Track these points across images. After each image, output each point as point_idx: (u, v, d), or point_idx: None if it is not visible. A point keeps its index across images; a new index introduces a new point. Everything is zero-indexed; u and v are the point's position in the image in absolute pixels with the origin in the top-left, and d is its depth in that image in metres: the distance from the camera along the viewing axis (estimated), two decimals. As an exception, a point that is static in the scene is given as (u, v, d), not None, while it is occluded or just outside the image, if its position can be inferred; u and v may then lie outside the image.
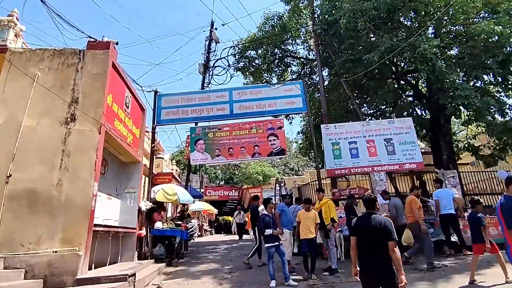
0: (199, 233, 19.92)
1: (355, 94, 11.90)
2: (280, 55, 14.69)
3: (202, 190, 32.08)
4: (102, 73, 6.53)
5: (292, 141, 42.96)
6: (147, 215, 8.92)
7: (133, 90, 8.52)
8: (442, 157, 11.23)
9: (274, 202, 18.46)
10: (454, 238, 7.74)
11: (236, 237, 16.82)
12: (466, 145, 12.52)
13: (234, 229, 19.26)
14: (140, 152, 9.09)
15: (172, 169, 17.88)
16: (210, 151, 10.00)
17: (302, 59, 14.63)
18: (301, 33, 13.66)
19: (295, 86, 10.49)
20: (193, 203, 9.97)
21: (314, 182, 11.97)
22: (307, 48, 15.32)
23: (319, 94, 14.45)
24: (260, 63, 14.15)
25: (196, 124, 10.80)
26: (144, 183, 12.49)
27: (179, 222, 9.18)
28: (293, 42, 14.93)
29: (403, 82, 12.00)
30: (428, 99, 11.87)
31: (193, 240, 15.90)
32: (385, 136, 10.35)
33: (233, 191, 32.91)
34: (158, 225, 8.61)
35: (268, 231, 6.18)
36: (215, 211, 23.85)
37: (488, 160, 12.71)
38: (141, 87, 10.67)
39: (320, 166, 10.12)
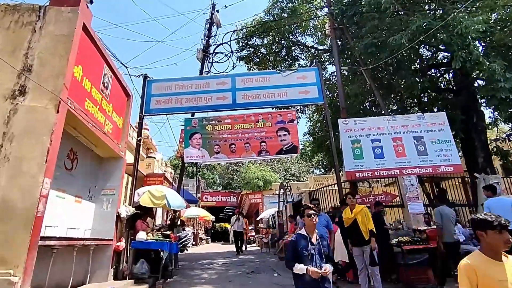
0: (194, 243, 18.17)
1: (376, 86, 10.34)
2: (287, 46, 13.17)
3: (198, 195, 30.43)
4: (68, 35, 4.96)
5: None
6: (128, 223, 7.26)
7: (114, 68, 6.94)
8: (478, 160, 9.66)
9: (278, 209, 16.83)
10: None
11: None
12: (495, 148, 10.94)
13: (232, 237, 17.45)
14: (123, 146, 7.48)
15: (165, 171, 16.21)
16: (208, 147, 8.38)
17: (313, 49, 13.10)
18: (313, 17, 12.11)
19: (310, 73, 8.93)
20: (186, 208, 8.32)
21: (328, 187, 10.34)
22: (318, 40, 13.85)
23: (333, 91, 12.96)
24: (266, 53, 12.61)
25: (193, 115, 9.20)
26: (127, 184, 10.81)
27: (168, 232, 7.51)
28: (303, 32, 13.43)
29: (430, 73, 10.47)
30: (457, 93, 10.35)
31: (186, 251, 14.20)
32: (414, 133, 8.79)
33: (232, 196, 31.26)
34: (141, 235, 6.95)
35: (301, 268, 2.98)
36: (212, 218, 22.12)
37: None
38: (126, 68, 9.10)
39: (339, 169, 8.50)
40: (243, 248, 11.83)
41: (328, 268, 2.98)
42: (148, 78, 8.90)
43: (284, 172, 36.98)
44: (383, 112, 9.73)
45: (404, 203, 8.03)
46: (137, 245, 6.92)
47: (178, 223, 10.35)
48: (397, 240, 6.60)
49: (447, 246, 5.39)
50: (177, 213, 9.80)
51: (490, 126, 11.36)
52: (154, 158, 13.50)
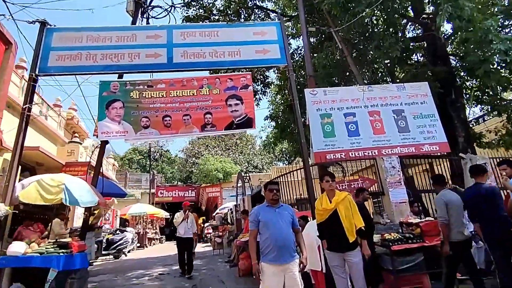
0: (139, 244, 15.64)
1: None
2: (245, 9, 11.16)
3: (153, 190, 27.66)
4: None
5: (257, 136, 39.95)
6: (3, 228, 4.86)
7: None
8: (458, 140, 8.54)
9: (236, 203, 14.78)
10: None
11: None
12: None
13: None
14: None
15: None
16: (132, 120, 6.15)
17: (276, 15, 11.22)
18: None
19: (270, 27, 7.02)
20: (98, 205, 6.04)
21: (293, 176, 8.57)
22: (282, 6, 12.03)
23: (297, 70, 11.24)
24: (220, 15, 10.47)
25: (122, 77, 6.84)
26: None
27: (67, 240, 5.19)
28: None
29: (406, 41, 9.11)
30: (434, 64, 9.10)
31: (125, 256, 11.77)
32: (394, 106, 7.30)
33: (190, 191, 28.84)
34: (15, 248, 4.60)
35: None
36: (165, 214, 19.65)
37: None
38: (7, 8, 6.46)
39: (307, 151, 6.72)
40: (193, 261, 7.20)
41: None
42: (48, 26, 6.37)
43: (246, 164, 35.24)
44: (358, 84, 8.16)
45: (384, 189, 6.54)
46: (8, 263, 4.55)
47: (100, 224, 7.96)
48: (381, 238, 5.01)
49: (456, 247, 3.81)
50: (98, 211, 7.47)
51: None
52: (80, 143, 10.75)
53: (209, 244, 14.27)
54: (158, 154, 35.06)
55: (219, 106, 6.35)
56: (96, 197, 5.74)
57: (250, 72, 7.33)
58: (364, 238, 3.57)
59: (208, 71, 6.97)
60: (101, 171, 6.89)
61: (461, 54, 9.69)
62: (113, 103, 6.16)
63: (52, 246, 4.92)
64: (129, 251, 13.35)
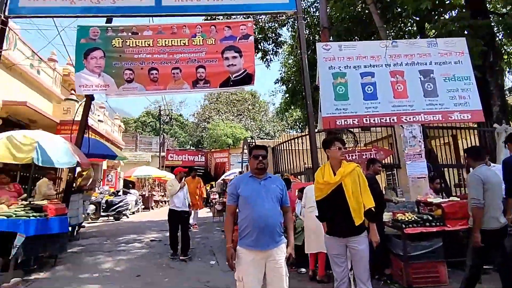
0: (144, 206, 15.66)
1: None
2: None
3: (163, 154, 27.64)
4: None
5: (269, 102, 38.73)
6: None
7: None
8: (492, 110, 7.42)
9: (241, 169, 14.31)
10: None
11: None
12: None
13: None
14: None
15: (98, 120, 12.94)
16: (114, 72, 5.39)
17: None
18: None
19: (278, -35, 5.84)
20: (78, 166, 5.53)
21: (297, 143, 7.77)
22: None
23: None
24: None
25: (111, 21, 5.98)
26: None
27: (41, 203, 4.73)
28: None
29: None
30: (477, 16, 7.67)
31: (126, 218, 11.67)
32: (421, 66, 6.22)
33: (199, 156, 28.55)
34: (-22, 209, 4.15)
35: None
36: (171, 177, 19.52)
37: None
38: None
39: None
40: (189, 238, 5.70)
41: None
42: (18, -42, 5.45)
43: (257, 130, 34.56)
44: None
45: (400, 162, 5.69)
46: (-30, 225, 4.14)
47: (90, 186, 7.57)
48: (392, 217, 4.28)
49: (489, 236, 3.03)
50: (85, 173, 7.03)
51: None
52: (76, 101, 10.20)
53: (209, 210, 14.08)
54: (168, 117, 34.66)
55: (214, 59, 5.46)
56: (75, 157, 5.18)
57: (252, 20, 6.29)
58: (374, 221, 2.84)
59: (203, 17, 5.98)
60: (86, 130, 6.31)
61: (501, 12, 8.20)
62: (92, 52, 5.38)
63: (23, 209, 4.46)
64: (133, 213, 13.33)
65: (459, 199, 4.22)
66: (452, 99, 6.01)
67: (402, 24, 8.52)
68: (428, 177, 5.36)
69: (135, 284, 4.18)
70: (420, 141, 5.67)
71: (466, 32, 7.31)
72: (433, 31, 8.55)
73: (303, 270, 4.49)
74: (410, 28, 8.90)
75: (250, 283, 2.33)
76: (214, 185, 21.94)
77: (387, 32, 8.52)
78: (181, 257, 5.27)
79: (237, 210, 2.58)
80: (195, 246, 6.23)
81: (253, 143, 12.45)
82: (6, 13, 5.25)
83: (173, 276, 4.46)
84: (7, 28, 5.35)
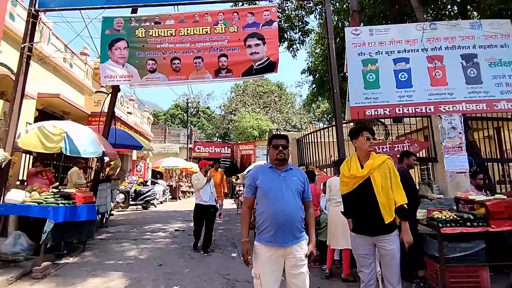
0: (171, 196, 16.06)
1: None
2: None
3: (190, 146, 28.25)
4: None
5: (296, 94, 38.07)
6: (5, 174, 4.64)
7: None
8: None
9: (266, 161, 14.22)
10: None
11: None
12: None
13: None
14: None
15: (127, 113, 13.31)
16: (137, 62, 5.41)
17: None
18: None
19: None
20: (104, 156, 5.65)
21: (322, 135, 7.44)
22: None
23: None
24: None
25: (134, 12, 6.02)
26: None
27: (70, 191, 4.88)
28: None
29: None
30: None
31: (154, 207, 12.01)
32: (463, 50, 5.66)
33: (226, 148, 28.93)
34: (12, 195, 4.35)
35: None
36: (197, 169, 19.85)
37: None
38: None
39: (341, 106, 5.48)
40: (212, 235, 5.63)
41: None
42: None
43: (284, 123, 34.13)
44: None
45: (437, 155, 5.23)
46: (7, 210, 4.36)
47: (116, 174, 7.77)
48: (427, 215, 3.92)
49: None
50: (113, 162, 7.22)
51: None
52: (106, 93, 10.55)
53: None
54: (195, 110, 35.22)
55: (237, 47, 5.30)
56: (101, 147, 5.29)
57: (276, 5, 6.02)
58: (406, 220, 2.56)
59: (228, 4, 5.80)
60: (113, 121, 6.44)
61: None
62: (116, 43, 5.43)
63: (53, 196, 4.62)
64: (161, 202, 13.71)
65: (505, 197, 3.76)
66: (498, 86, 5.42)
67: (442, 5, 7.78)
68: (469, 172, 4.88)
69: (157, 273, 4.21)
70: (460, 133, 5.16)
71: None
72: (475, 13, 7.76)
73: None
74: (450, 10, 8.14)
75: (267, 282, 2.18)
76: (239, 177, 22.05)
77: (424, 15, 7.87)
78: (201, 251, 5.23)
79: (255, 203, 2.43)
80: (217, 238, 6.22)
81: (278, 135, 12.24)
82: (37, 7, 5.41)
83: (194, 267, 4.44)
84: (41, 23, 5.51)
